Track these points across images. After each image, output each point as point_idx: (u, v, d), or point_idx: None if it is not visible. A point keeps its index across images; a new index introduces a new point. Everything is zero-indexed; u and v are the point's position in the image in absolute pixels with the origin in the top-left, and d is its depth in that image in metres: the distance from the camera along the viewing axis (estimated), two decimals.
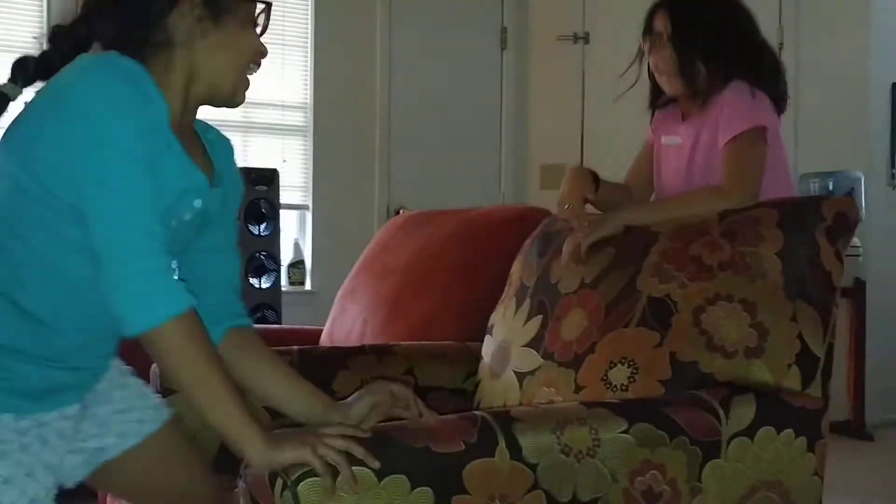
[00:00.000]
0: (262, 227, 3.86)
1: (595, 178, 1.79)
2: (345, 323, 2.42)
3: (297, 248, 4.60)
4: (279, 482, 0.97)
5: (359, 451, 0.99)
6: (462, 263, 2.22)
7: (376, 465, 0.99)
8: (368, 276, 2.46)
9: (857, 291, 4.14)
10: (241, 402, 1.07)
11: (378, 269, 2.44)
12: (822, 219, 1.44)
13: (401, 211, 4.34)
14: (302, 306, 4.39)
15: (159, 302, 1.07)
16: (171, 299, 1.08)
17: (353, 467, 0.99)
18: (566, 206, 1.72)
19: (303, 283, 4.57)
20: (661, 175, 1.94)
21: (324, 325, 2.63)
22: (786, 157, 1.93)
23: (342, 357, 1.84)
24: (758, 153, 1.71)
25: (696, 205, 1.60)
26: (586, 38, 4.87)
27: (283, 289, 4.34)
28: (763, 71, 1.84)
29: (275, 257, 3.93)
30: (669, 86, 1.88)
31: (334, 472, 0.97)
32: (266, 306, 3.87)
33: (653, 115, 1.99)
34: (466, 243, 2.27)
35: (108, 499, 1.68)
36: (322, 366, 1.81)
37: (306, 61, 4.63)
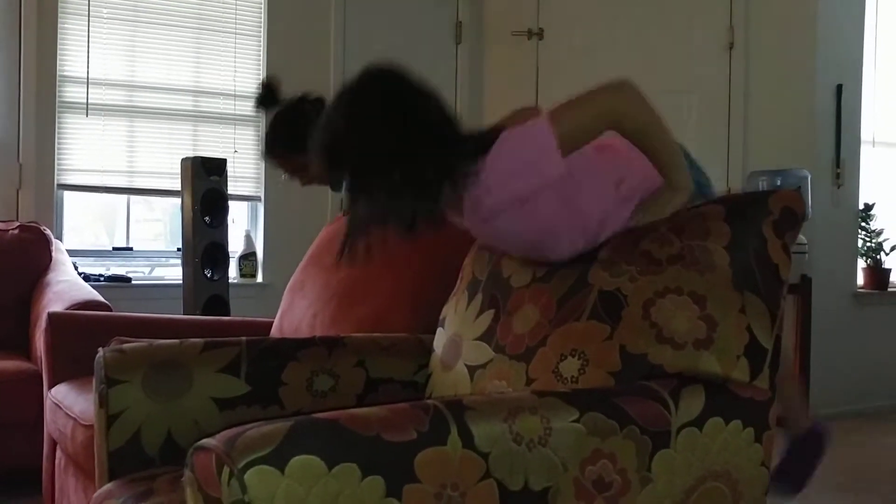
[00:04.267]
0: (213, 217, 3.81)
1: None
2: (294, 316, 2.40)
3: (249, 239, 4.55)
4: (226, 470, 0.95)
5: None
6: (414, 257, 2.21)
7: None
8: (317, 270, 2.44)
9: (803, 288, 4.22)
10: None
11: (327, 263, 2.42)
12: (768, 212, 1.46)
13: None
14: (253, 299, 4.34)
15: None
16: None
17: (302, 455, 0.98)
18: None
19: (254, 276, 4.53)
20: None
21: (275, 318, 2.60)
22: None
23: (292, 349, 1.82)
24: None
25: None
26: (540, 35, 4.89)
27: (234, 281, 4.30)
28: None
29: (225, 248, 3.87)
30: None
31: (286, 454, 0.96)
32: (216, 298, 3.82)
33: None
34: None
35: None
36: (271, 357, 1.78)
37: (259, 51, 4.57)
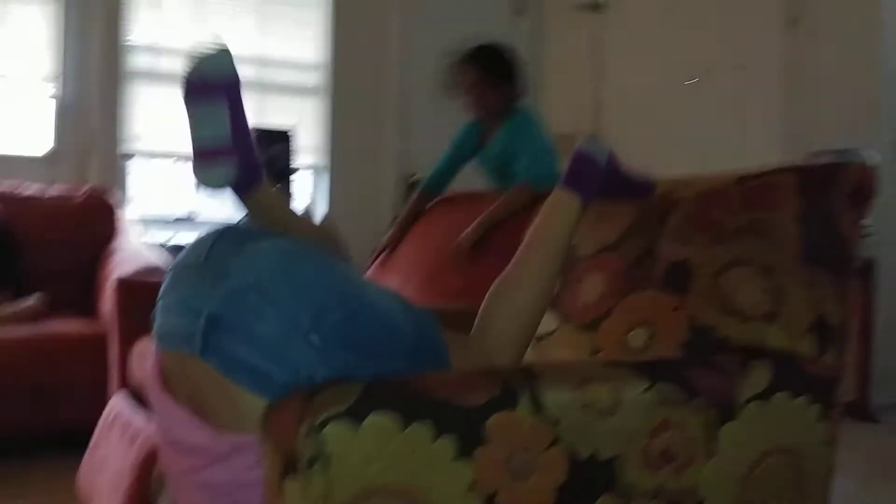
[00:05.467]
0: (278, 187, 3.85)
1: None
2: (382, 282, 2.45)
3: (312, 209, 4.59)
4: (304, 425, 0.97)
5: None
6: (502, 239, 2.26)
7: None
8: (407, 246, 2.49)
9: (866, 271, 4.13)
10: None
11: (417, 240, 2.47)
12: (841, 186, 1.44)
13: (415, 177, 4.34)
14: None
15: None
16: None
17: (377, 414, 0.99)
18: None
19: None
20: None
21: None
22: None
23: None
24: None
25: None
26: (603, 8, 4.84)
27: None
28: None
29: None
30: None
31: (362, 412, 0.98)
32: None
33: None
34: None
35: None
36: None
37: (323, 21, 4.60)
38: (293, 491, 0.98)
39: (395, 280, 2.39)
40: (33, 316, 3.08)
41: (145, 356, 2.37)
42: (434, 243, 2.42)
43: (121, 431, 2.23)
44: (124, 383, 2.55)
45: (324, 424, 0.97)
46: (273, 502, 1.02)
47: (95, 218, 3.67)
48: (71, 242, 3.58)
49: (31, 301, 3.14)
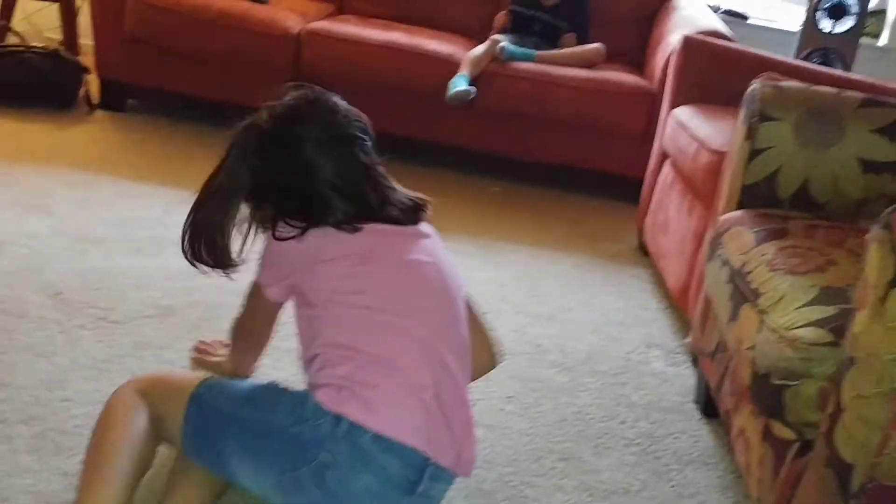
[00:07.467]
0: None
1: None
2: None
3: None
4: None
5: None
6: None
7: None
8: None
9: None
10: None
11: None
12: None
13: None
14: (870, 63, 3.99)
15: None
16: None
17: None
18: None
19: (877, 37, 4.13)
20: None
21: None
22: None
23: None
24: None
25: None
26: None
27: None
28: None
29: (862, 2, 3.55)
30: None
31: None
32: (833, 52, 3.57)
33: None
34: None
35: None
36: None
37: None
38: None
39: None
40: (593, 62, 3.23)
41: (687, 125, 2.36)
42: None
43: (679, 197, 2.32)
44: None
45: None
46: (869, 301, 0.98)
47: None
48: None
49: (592, 47, 3.27)
